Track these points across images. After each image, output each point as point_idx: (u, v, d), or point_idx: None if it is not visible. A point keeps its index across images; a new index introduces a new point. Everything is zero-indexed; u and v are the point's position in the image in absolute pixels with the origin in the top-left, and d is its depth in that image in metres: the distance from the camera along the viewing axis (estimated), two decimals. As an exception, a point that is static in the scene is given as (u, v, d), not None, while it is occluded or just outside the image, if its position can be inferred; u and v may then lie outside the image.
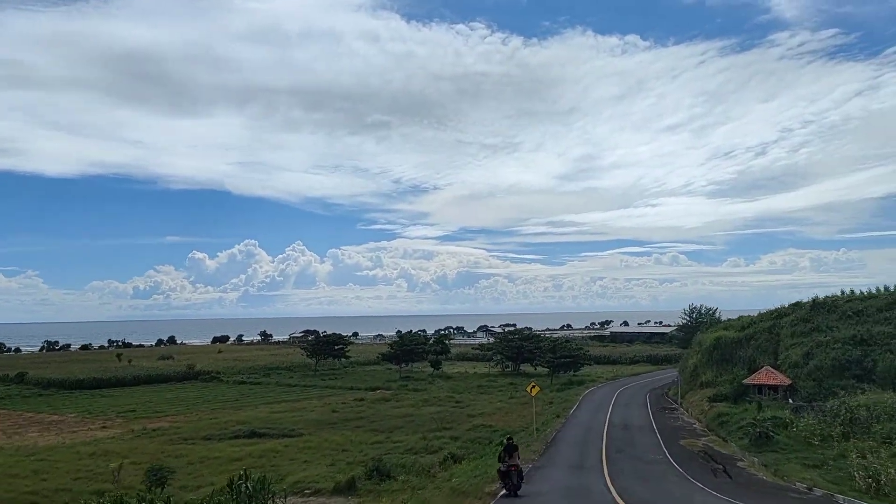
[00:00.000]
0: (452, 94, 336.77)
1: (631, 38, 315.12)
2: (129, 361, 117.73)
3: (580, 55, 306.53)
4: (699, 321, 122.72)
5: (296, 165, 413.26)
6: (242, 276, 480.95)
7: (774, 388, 45.47)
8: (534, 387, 41.10)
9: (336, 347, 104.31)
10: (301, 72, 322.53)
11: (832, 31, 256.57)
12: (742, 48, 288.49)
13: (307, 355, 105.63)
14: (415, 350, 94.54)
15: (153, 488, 26.16)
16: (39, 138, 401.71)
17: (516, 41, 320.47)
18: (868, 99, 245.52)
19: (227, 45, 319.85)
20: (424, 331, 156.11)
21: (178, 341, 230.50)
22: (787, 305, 59.35)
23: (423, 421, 54.07)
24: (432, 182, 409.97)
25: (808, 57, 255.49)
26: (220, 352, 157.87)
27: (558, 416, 50.14)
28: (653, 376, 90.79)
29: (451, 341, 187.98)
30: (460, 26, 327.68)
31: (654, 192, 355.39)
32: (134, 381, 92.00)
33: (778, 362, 51.00)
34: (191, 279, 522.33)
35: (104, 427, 56.65)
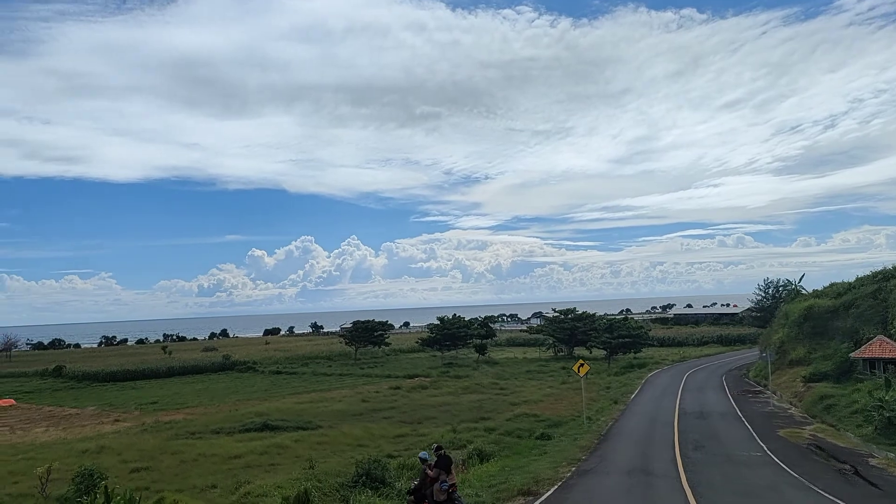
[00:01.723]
0: (501, 82, 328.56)
1: (687, 11, 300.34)
2: (170, 354, 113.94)
3: (633, 33, 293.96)
4: (776, 296, 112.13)
5: (347, 161, 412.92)
6: (300, 272, 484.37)
7: (893, 361, 36.20)
8: (582, 365, 33.00)
9: (375, 335, 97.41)
10: (347, 67, 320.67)
11: None
12: (806, 16, 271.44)
13: (346, 343, 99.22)
14: (457, 334, 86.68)
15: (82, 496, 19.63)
16: (105, 145, 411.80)
17: (565, 23, 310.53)
18: None
19: (274, 46, 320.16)
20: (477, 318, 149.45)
21: (231, 335, 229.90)
22: (892, 266, 49.52)
23: (460, 410, 47.34)
24: (484, 171, 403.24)
25: (878, 21, 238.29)
26: (267, 343, 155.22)
27: (616, 403, 41.93)
28: (726, 357, 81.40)
29: (503, 327, 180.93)
30: (507, 11, 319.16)
31: (715, 171, 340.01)
32: (168, 373, 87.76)
33: (892, 332, 41.65)
34: (251, 276, 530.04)
35: (116, 421, 52.89)
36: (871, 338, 40.13)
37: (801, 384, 40.81)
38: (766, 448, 25.12)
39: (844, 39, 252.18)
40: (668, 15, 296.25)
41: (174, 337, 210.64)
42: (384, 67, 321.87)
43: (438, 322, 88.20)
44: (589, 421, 33.30)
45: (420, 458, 18.19)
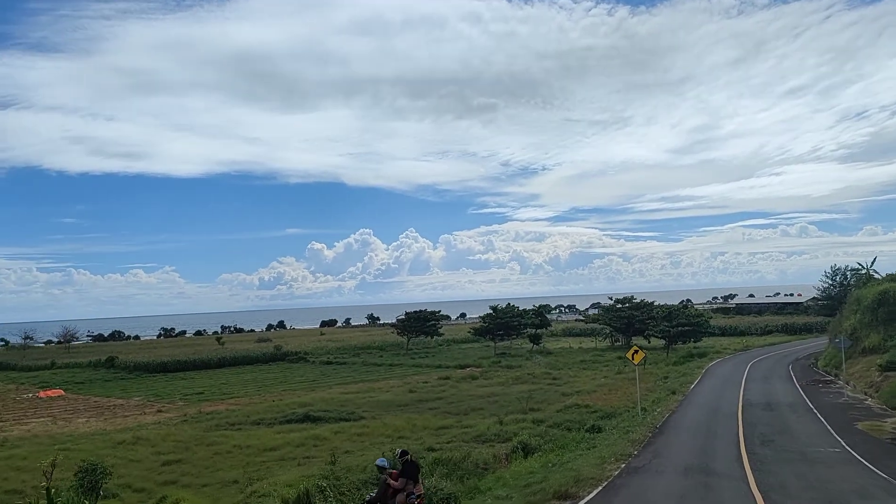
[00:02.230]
0: (557, 72, 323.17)
1: None
2: (223, 344, 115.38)
3: (692, 20, 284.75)
4: (844, 284, 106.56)
5: (405, 153, 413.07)
6: (359, 265, 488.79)
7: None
8: (636, 352, 30.79)
9: (428, 325, 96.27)
10: (404, 60, 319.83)
11: None
12: None
13: (398, 333, 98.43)
14: (510, 323, 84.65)
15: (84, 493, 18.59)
16: (167, 140, 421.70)
17: (623, 11, 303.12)
18: None
19: (332, 39, 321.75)
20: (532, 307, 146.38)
21: (288, 326, 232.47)
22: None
23: (509, 401, 45.70)
24: (541, 163, 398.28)
25: None
26: (322, 334, 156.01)
27: (674, 393, 39.49)
28: (791, 346, 77.44)
29: (560, 317, 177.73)
30: (563, 0, 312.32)
31: (777, 160, 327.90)
32: (219, 364, 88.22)
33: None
34: (311, 269, 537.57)
35: (159, 411, 52.83)
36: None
37: (878, 373, 37.66)
38: (843, 443, 22.46)
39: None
40: (729, 0, 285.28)
41: (231, 328, 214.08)
42: (441, 59, 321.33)
43: (491, 311, 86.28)
44: (644, 412, 31.09)
45: (378, 465, 15.81)
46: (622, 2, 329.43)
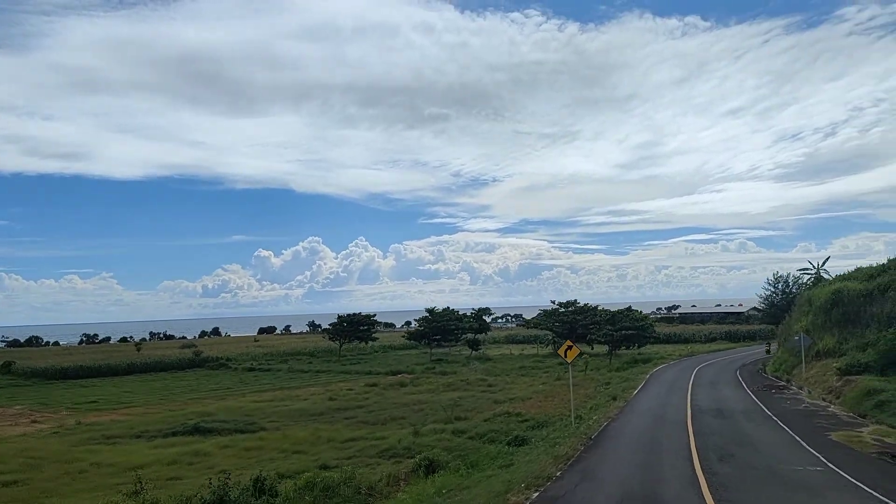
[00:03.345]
0: (508, 84, 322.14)
1: (691, 18, 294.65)
2: (139, 350, 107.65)
3: (639, 39, 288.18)
4: (787, 291, 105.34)
5: (356, 162, 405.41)
6: (307, 273, 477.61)
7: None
8: (570, 349, 26.17)
9: (361, 329, 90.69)
10: (356, 67, 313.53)
11: None
12: (808, 25, 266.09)
13: (330, 338, 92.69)
14: (447, 327, 79.67)
15: None
16: (107, 142, 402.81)
17: (572, 27, 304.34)
18: None
19: (282, 44, 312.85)
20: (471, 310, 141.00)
21: (223, 333, 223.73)
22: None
23: (435, 409, 41.04)
24: (492, 174, 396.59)
25: (878, 32, 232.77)
26: (256, 341, 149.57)
27: (614, 399, 35.13)
28: (736, 353, 74.77)
29: (506, 325, 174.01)
30: (515, 14, 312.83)
31: (718, 177, 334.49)
32: (127, 370, 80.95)
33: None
34: (257, 277, 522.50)
35: (34, 422, 46.05)
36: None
37: (836, 378, 34.01)
38: (823, 458, 18.05)
39: (845, 49, 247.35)
40: (673, 22, 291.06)
41: (161, 335, 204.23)
42: (393, 68, 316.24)
43: (428, 314, 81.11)
44: (578, 420, 26.48)
45: None
46: (572, 18, 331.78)
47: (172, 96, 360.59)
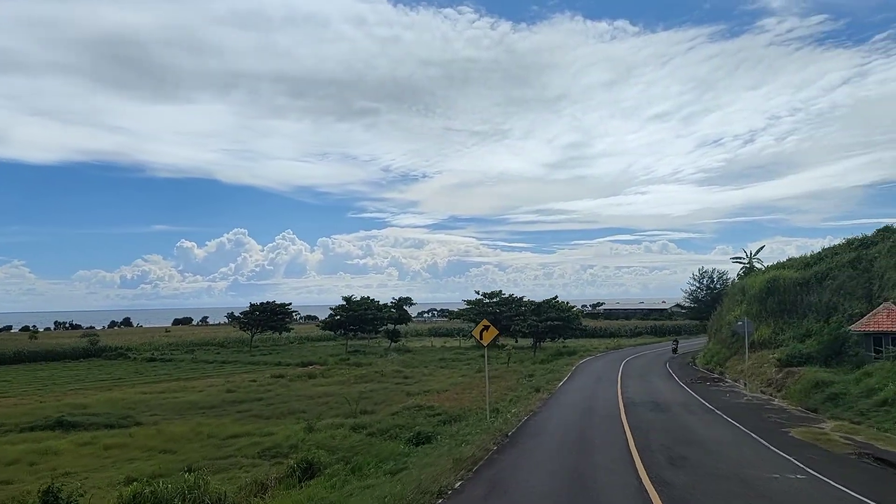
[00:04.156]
0: (440, 81, 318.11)
1: (620, 23, 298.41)
2: (32, 338, 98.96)
3: (569, 41, 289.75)
4: (712, 287, 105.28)
5: (284, 153, 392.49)
6: (232, 265, 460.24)
7: (906, 336, 26.93)
8: (486, 328, 22.23)
9: (276, 319, 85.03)
10: (285, 57, 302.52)
11: (821, 17, 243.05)
12: (731, 34, 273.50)
13: (241, 328, 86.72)
14: (364, 316, 74.95)
15: None
16: (22, 124, 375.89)
17: (505, 26, 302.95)
18: (856, 86, 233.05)
19: (210, 30, 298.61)
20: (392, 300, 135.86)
21: (135, 324, 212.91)
22: (871, 233, 41.01)
23: (341, 402, 36.73)
24: (422, 170, 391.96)
25: (796, 43, 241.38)
26: (167, 332, 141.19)
27: (538, 391, 31.53)
28: (663, 346, 72.90)
29: (432, 318, 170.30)
30: (448, 10, 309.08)
31: (643, 179, 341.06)
32: (13, 360, 73.09)
33: (880, 302, 32.92)
34: (179, 268, 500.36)
35: None
36: (856, 311, 31.24)
37: (775, 369, 31.37)
38: (796, 462, 14.50)
39: (765, 59, 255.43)
40: (603, 25, 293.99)
41: (67, 325, 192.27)
42: (323, 59, 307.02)
43: (344, 303, 76.17)
44: (495, 414, 22.61)
45: None
46: (505, 17, 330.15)
47: (93, 79, 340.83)
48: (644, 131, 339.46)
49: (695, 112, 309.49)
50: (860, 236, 41.53)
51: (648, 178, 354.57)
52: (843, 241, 42.12)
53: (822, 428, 19.43)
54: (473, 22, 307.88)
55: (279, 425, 29.82)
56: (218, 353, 79.67)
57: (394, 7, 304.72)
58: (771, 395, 28.83)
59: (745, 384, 33.30)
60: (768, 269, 46.99)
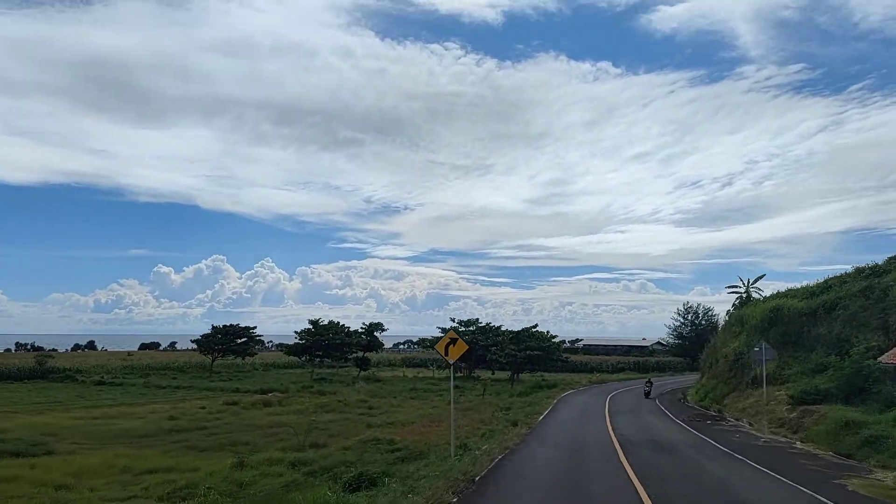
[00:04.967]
0: (425, 114, 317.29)
1: (603, 64, 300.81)
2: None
3: (553, 79, 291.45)
4: (696, 323, 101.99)
5: (266, 181, 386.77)
6: (209, 292, 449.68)
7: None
8: (454, 342, 18.12)
9: (238, 342, 79.96)
10: (271, 85, 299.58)
11: (799, 66, 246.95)
12: (711, 79, 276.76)
13: (200, 352, 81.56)
14: (332, 342, 70.13)
15: None
16: (1, 144, 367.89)
17: (490, 63, 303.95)
18: (831, 134, 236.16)
19: (195, 56, 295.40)
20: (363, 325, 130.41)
21: (100, 347, 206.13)
22: (882, 261, 37.67)
23: (293, 434, 32.11)
24: (403, 202, 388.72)
25: (774, 91, 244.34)
26: (129, 355, 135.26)
27: (515, 425, 27.25)
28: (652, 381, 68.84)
29: (409, 350, 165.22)
30: (434, 46, 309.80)
31: (622, 218, 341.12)
32: (-52, 381, 67.38)
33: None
34: (154, 294, 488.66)
35: None
36: (873, 344, 27.51)
37: (787, 407, 27.47)
38: None
39: (744, 104, 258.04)
40: (586, 66, 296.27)
41: (29, 346, 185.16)
42: (310, 89, 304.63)
43: (311, 327, 71.38)
44: (462, 451, 18.34)
45: None
46: (490, 54, 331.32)
47: (76, 101, 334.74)
48: (624, 171, 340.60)
49: (674, 154, 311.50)
50: (870, 264, 38.20)
51: (628, 218, 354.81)
52: (853, 269, 38.65)
53: (882, 480, 15.43)
54: (459, 58, 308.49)
55: (210, 459, 25.39)
56: (174, 378, 74.61)
57: (381, 41, 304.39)
58: (785, 436, 24.85)
59: (752, 423, 29.30)
60: (770, 297, 43.35)
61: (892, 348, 28.58)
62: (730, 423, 30.57)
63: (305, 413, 42.43)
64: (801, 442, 22.90)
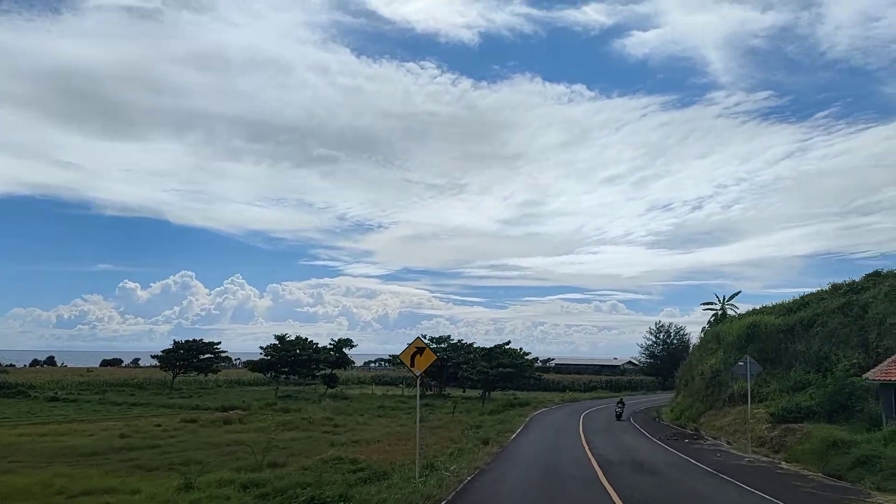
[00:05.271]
0: (400, 132, 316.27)
1: (578, 87, 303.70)
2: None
3: (528, 101, 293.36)
4: (668, 342, 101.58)
5: (238, 196, 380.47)
6: (176, 308, 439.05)
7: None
8: (420, 351, 16.68)
9: (202, 358, 77.37)
10: (245, 100, 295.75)
11: (766, 94, 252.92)
12: (682, 104, 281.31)
13: (161, 368, 78.84)
14: (299, 358, 67.97)
15: None
16: None
17: (466, 83, 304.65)
18: (797, 160, 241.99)
19: (167, 68, 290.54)
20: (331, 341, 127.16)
21: (60, 363, 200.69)
22: (858, 279, 37.09)
23: (250, 453, 30.09)
24: (377, 220, 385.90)
25: (742, 117, 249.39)
26: (89, 371, 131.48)
27: (486, 444, 25.84)
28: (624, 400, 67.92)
29: (380, 368, 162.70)
30: (410, 65, 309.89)
31: (594, 240, 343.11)
32: None
33: (879, 352, 28.66)
34: (120, 310, 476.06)
35: None
36: (854, 361, 26.63)
37: (768, 426, 26.40)
38: None
39: (714, 129, 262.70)
40: (561, 88, 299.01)
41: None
42: (284, 105, 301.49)
43: (277, 342, 69.21)
44: (428, 472, 16.88)
45: None
46: (466, 74, 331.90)
47: (42, 112, 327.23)
48: (597, 193, 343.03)
49: (646, 177, 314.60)
50: (847, 281, 37.60)
51: (600, 239, 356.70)
52: (829, 286, 37.99)
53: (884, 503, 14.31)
54: (435, 77, 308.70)
55: (156, 480, 23.55)
56: (132, 395, 71.88)
57: (357, 58, 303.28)
58: (766, 455, 23.76)
59: (730, 442, 28.19)
60: (747, 314, 42.54)
61: (872, 366, 27.80)
62: (708, 442, 29.46)
63: (267, 431, 40.52)
64: (787, 462, 21.78)
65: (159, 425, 44.28)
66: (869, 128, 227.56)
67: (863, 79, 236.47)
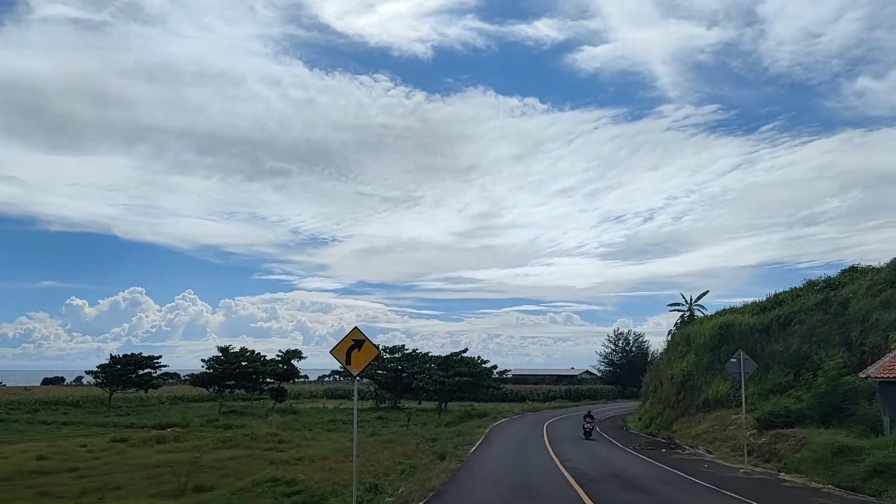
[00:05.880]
0: (354, 145, 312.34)
1: (530, 100, 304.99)
2: None
3: (481, 113, 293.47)
4: (627, 350, 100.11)
5: (188, 211, 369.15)
6: (126, 326, 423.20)
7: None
8: (358, 344, 13.82)
9: (140, 374, 72.53)
10: (195, 112, 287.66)
11: (713, 107, 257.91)
12: (633, 118, 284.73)
13: (98, 384, 73.77)
14: (244, 371, 63.91)
15: None
16: None
17: (419, 96, 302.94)
18: (744, 172, 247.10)
19: (114, 81, 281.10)
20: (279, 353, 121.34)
21: (0, 383, 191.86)
22: (836, 274, 35.39)
23: (177, 475, 26.46)
24: (332, 233, 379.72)
25: (691, 129, 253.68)
26: (26, 390, 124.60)
27: (442, 459, 22.79)
28: (583, 409, 65.56)
29: (332, 381, 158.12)
30: (364, 77, 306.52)
31: (549, 252, 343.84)
32: None
33: (865, 350, 26.64)
34: (66, 327, 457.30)
35: None
36: (839, 360, 24.51)
37: (754, 432, 24.01)
38: None
39: (663, 142, 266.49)
40: (514, 101, 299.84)
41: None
42: (235, 117, 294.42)
43: (220, 354, 64.95)
44: (372, 494, 13.88)
45: None
46: (419, 87, 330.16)
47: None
48: (550, 205, 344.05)
49: (598, 189, 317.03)
50: (823, 277, 35.84)
51: (554, 251, 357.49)
52: (805, 282, 36.16)
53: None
54: (388, 90, 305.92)
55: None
56: (65, 414, 66.80)
57: (310, 70, 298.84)
58: (755, 464, 21.28)
59: (710, 451, 25.75)
60: (718, 314, 40.47)
61: (858, 364, 25.75)
62: (687, 451, 26.99)
63: (203, 450, 36.89)
64: (786, 473, 19.30)
65: (84, 446, 40.05)
66: (812, 140, 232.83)
67: (805, 93, 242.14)
